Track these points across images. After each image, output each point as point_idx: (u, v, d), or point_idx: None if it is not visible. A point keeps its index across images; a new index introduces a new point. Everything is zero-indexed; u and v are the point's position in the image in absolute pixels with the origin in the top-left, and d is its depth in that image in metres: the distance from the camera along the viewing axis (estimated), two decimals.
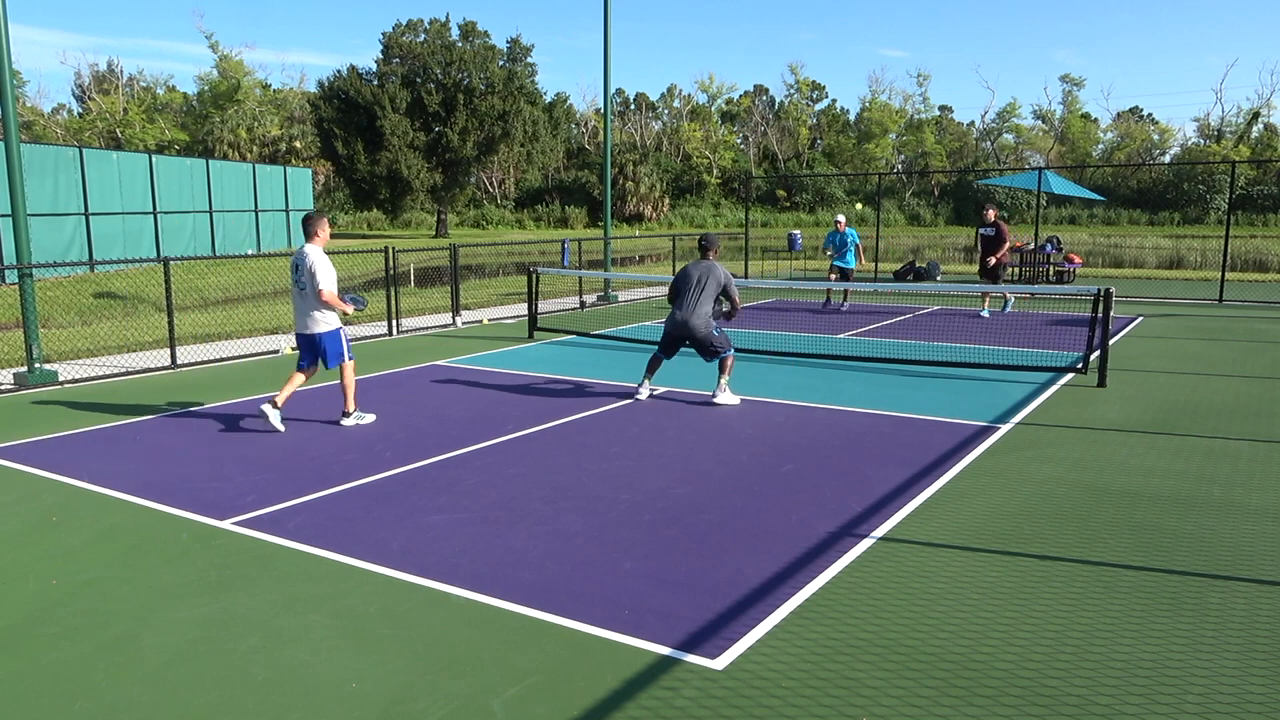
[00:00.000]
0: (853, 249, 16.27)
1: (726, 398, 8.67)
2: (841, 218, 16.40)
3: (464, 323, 14.93)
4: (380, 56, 49.37)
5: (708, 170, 72.59)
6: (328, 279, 7.59)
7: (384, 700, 3.54)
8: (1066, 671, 3.73)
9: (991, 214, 15.39)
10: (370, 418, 8.13)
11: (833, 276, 16.50)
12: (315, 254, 7.66)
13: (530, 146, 52.65)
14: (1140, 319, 15.15)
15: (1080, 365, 9.91)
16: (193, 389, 9.64)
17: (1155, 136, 74.23)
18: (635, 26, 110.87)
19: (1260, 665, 3.78)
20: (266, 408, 7.71)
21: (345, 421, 7.98)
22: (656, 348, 9.05)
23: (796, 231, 29.07)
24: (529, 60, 52.94)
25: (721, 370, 8.73)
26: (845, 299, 17.32)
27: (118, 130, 61.80)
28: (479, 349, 12.20)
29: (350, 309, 7.78)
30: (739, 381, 9.75)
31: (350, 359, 7.93)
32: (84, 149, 26.50)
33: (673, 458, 6.87)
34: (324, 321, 7.73)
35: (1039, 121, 76.33)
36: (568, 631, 4.10)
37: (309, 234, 7.79)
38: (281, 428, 7.73)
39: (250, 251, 31.13)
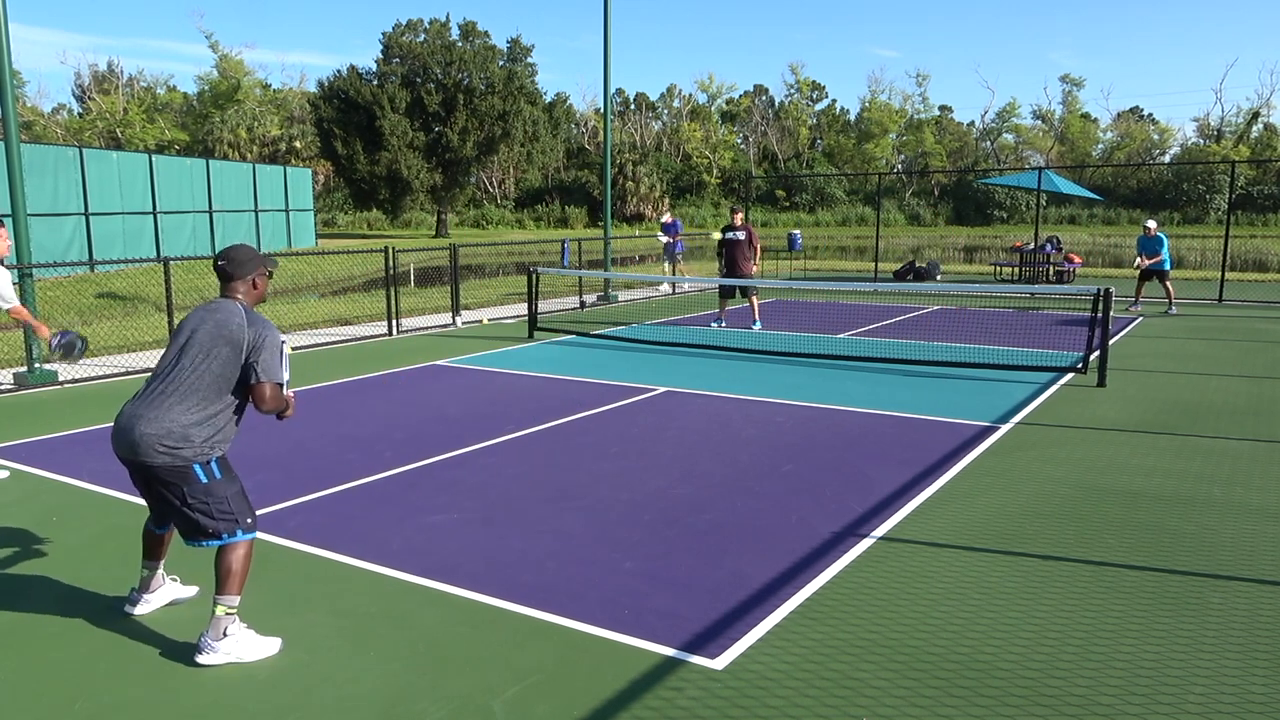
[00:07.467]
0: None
1: (232, 648, 3.81)
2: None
3: (464, 323, 14.91)
4: (380, 56, 49.38)
5: (708, 170, 72.55)
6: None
7: (384, 700, 3.54)
8: (1069, 672, 3.72)
9: (739, 216, 13.52)
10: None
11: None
12: None
13: (530, 146, 52.65)
14: (1140, 319, 15.14)
15: (1080, 365, 9.91)
16: None
17: (1155, 136, 74.27)
18: (635, 26, 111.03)
19: (1262, 665, 3.77)
20: None
21: None
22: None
23: (796, 231, 29.05)
24: (529, 60, 52.98)
25: (223, 585, 3.83)
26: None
27: (118, 130, 61.77)
28: (479, 349, 12.19)
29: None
30: (739, 381, 9.73)
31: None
32: (84, 149, 26.47)
33: (673, 457, 6.87)
34: None
35: (1039, 121, 76.39)
36: (568, 631, 4.09)
37: None
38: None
39: None
